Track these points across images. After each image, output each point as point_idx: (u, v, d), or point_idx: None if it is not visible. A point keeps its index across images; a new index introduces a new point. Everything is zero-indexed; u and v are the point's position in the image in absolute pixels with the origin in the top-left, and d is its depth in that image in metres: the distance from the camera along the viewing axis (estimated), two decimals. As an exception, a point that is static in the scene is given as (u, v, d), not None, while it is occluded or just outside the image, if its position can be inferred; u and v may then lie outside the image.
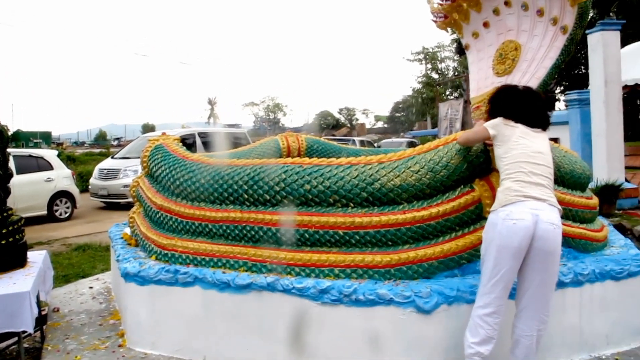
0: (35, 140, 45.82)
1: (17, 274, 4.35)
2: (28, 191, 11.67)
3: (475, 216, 3.76)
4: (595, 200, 4.58)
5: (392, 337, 3.53)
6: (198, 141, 15.71)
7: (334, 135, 40.58)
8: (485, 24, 5.33)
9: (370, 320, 3.55)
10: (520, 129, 3.40)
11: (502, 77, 4.87)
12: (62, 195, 12.75)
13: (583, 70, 23.40)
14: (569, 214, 4.16)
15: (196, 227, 4.34)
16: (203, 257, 4.20)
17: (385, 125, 73.75)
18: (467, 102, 12.35)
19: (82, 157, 28.79)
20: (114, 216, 12.65)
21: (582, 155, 9.16)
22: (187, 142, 14.41)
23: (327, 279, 3.71)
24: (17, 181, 10.57)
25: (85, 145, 69.27)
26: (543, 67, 4.60)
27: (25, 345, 4.44)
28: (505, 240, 3.14)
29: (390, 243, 3.74)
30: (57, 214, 12.61)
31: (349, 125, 69.62)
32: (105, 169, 14.83)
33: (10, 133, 4.85)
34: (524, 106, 3.48)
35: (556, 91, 26.67)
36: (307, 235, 3.87)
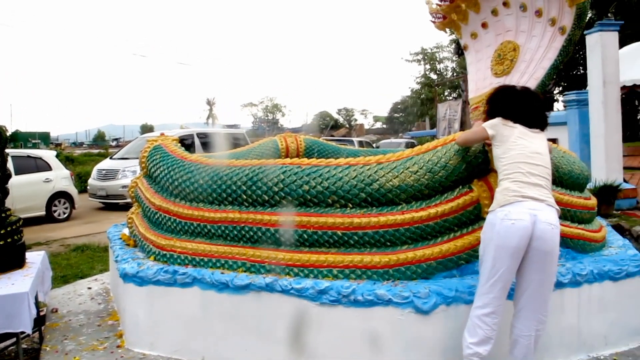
0: (33, 141, 45.79)
1: (15, 274, 4.34)
2: (26, 192, 11.65)
3: (474, 217, 3.76)
4: (593, 201, 4.58)
5: (391, 338, 3.53)
6: (197, 142, 15.70)
7: (332, 135, 40.58)
8: (484, 25, 5.34)
9: (368, 321, 3.55)
10: (518, 129, 3.41)
11: (500, 78, 4.88)
12: (61, 195, 12.73)
13: (581, 71, 23.42)
14: (567, 214, 4.17)
15: (195, 227, 4.34)
16: (202, 257, 4.20)
17: (384, 126, 73.85)
18: (465, 103, 12.35)
19: (80, 158, 28.78)
20: (112, 217, 12.63)
21: (580, 155, 9.19)
22: (186, 143, 14.40)
23: (325, 280, 3.71)
24: (16, 182, 10.55)
25: (84, 145, 69.26)
26: (541, 68, 4.61)
27: (24, 346, 4.44)
28: (503, 241, 3.14)
29: (388, 243, 3.74)
30: (55, 214, 12.59)
31: (347, 125, 69.66)
32: (103, 170, 14.81)
33: (8, 133, 4.85)
34: (522, 106, 3.49)
35: (555, 92, 26.69)
36: (305, 236, 3.87)
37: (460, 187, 3.78)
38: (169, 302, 4.13)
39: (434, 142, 4.01)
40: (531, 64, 4.71)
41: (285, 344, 3.75)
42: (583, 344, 3.97)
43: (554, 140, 4.11)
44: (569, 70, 24.53)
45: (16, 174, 10.99)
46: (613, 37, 9.34)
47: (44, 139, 49.64)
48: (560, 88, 26.50)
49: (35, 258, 4.82)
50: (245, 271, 4.00)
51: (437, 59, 47.87)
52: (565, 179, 4.30)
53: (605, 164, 9.23)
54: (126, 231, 5.41)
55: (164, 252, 4.39)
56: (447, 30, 6.02)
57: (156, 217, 4.67)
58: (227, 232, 4.17)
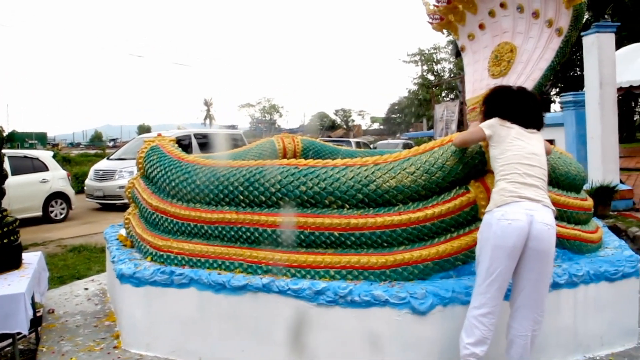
0: (30, 141, 45.74)
1: (11, 275, 4.33)
2: (23, 192, 11.65)
3: (471, 217, 3.76)
4: (590, 202, 4.59)
5: (388, 339, 3.54)
6: (194, 142, 15.70)
7: (329, 136, 40.59)
8: (481, 26, 5.35)
9: (365, 322, 3.55)
10: (515, 129, 3.42)
11: (497, 79, 4.90)
12: (58, 196, 12.72)
13: (578, 72, 23.48)
14: (563, 215, 4.17)
15: (192, 228, 4.34)
16: (199, 258, 4.20)
17: (381, 127, 73.84)
18: (463, 104, 12.36)
19: (77, 158, 28.71)
20: (109, 217, 12.62)
21: (577, 156, 9.21)
22: (183, 144, 14.41)
23: (322, 280, 3.71)
24: (13, 182, 10.58)
25: (81, 146, 69.14)
26: (538, 69, 4.62)
27: (20, 346, 4.43)
28: (500, 241, 3.15)
29: (385, 244, 3.74)
30: (52, 215, 12.58)
31: (345, 126, 69.67)
32: (100, 170, 14.80)
33: (5, 134, 4.84)
34: (518, 106, 3.50)
35: (551, 93, 26.75)
36: (302, 237, 3.87)
37: (457, 188, 3.78)
38: (166, 303, 4.12)
39: (431, 143, 4.02)
40: (528, 65, 4.72)
41: (283, 344, 3.75)
42: (579, 344, 3.98)
43: (550, 142, 4.11)
44: (566, 72, 24.59)
45: (13, 174, 11.02)
46: (610, 38, 9.36)
47: (41, 140, 49.59)
48: (557, 89, 26.56)
49: (31, 259, 4.82)
50: (242, 272, 4.00)
51: (435, 60, 47.93)
52: (561, 180, 4.30)
53: (602, 165, 9.24)
54: (123, 232, 5.41)
55: (161, 253, 4.39)
56: (445, 31, 6.03)
57: (153, 217, 4.67)
58: (224, 232, 4.17)
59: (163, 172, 4.70)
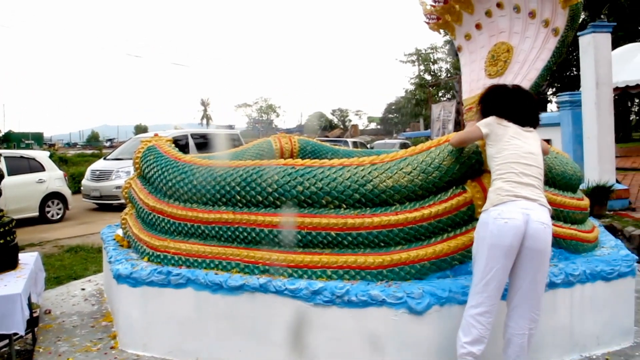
0: (27, 142, 45.67)
1: (8, 275, 4.33)
2: (20, 193, 11.62)
3: (467, 217, 3.77)
4: (586, 202, 4.60)
5: (385, 338, 3.54)
6: (191, 142, 15.70)
7: (327, 136, 40.58)
8: (478, 26, 5.35)
9: (362, 322, 3.55)
10: (512, 128, 3.42)
11: (494, 79, 4.90)
12: (54, 196, 12.69)
13: (575, 72, 23.53)
14: (560, 215, 4.18)
15: (189, 228, 4.34)
16: (195, 258, 4.20)
17: (378, 127, 73.86)
18: (459, 104, 12.38)
19: (74, 159, 28.68)
20: (106, 218, 12.59)
21: (573, 156, 9.23)
22: (180, 144, 14.40)
23: (319, 280, 3.71)
24: (9, 182, 10.54)
25: (78, 146, 69.05)
26: (535, 69, 4.63)
27: (17, 347, 4.42)
28: (496, 240, 3.16)
29: (382, 244, 3.75)
30: (49, 215, 12.55)
31: (342, 126, 69.67)
32: (97, 171, 14.78)
33: (1, 134, 4.84)
34: (514, 104, 3.50)
35: (548, 93, 26.80)
36: (299, 237, 3.87)
37: (454, 187, 3.79)
38: (162, 303, 4.12)
39: (428, 143, 4.02)
40: (524, 65, 4.73)
41: (280, 344, 3.75)
42: (575, 344, 3.99)
43: (547, 141, 4.11)
44: (562, 72, 24.65)
45: (9, 174, 10.99)
46: (606, 38, 9.39)
47: (38, 140, 49.52)
48: (554, 89, 26.63)
49: (28, 259, 4.81)
50: (239, 272, 4.00)
51: (432, 60, 48.00)
52: (558, 179, 4.31)
53: (598, 165, 9.27)
54: (120, 232, 5.40)
55: (158, 253, 4.38)
56: (441, 31, 6.03)
57: (150, 217, 4.67)
58: (221, 232, 4.17)
59: (160, 172, 4.70)
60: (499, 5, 5.03)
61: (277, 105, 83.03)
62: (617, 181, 9.78)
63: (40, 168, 12.55)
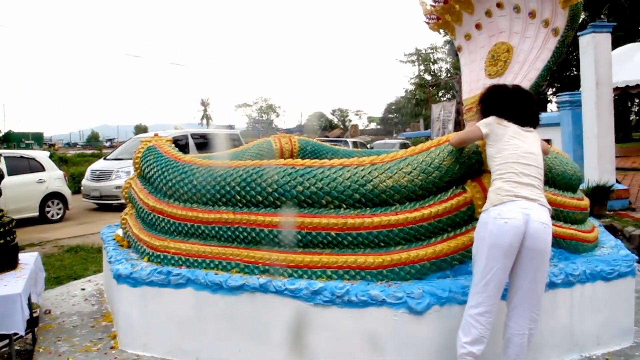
0: (27, 142, 45.67)
1: (8, 275, 4.33)
2: (20, 192, 11.61)
3: (467, 217, 3.77)
4: (586, 202, 4.60)
5: (385, 338, 3.54)
6: (191, 142, 15.70)
7: (327, 136, 40.58)
8: (478, 26, 5.35)
9: (362, 322, 3.55)
10: (512, 128, 3.42)
11: (494, 79, 4.90)
12: (54, 196, 12.69)
13: (575, 72, 23.53)
14: (560, 215, 4.18)
15: (189, 228, 4.34)
16: (195, 258, 4.20)
17: (378, 127, 73.88)
18: (459, 104, 12.38)
19: (74, 159, 28.67)
20: (106, 218, 12.59)
21: (573, 156, 9.23)
22: (180, 144, 14.39)
23: (319, 280, 3.71)
24: (9, 182, 10.54)
25: (78, 146, 69.07)
26: (535, 69, 4.63)
27: (17, 347, 4.42)
28: (496, 239, 3.16)
29: (382, 244, 3.75)
30: (49, 215, 12.55)
31: (342, 126, 69.68)
32: (97, 170, 14.78)
33: (1, 134, 4.84)
34: (514, 104, 3.50)
35: (548, 93, 26.80)
36: (299, 237, 3.87)
37: (454, 187, 3.79)
38: (162, 303, 4.12)
39: (428, 143, 4.02)
40: (524, 65, 4.73)
41: (280, 344, 3.75)
42: (575, 344, 3.99)
43: (547, 141, 4.11)
44: (562, 72, 24.65)
45: (9, 174, 10.99)
46: (606, 38, 9.39)
47: (38, 140, 49.51)
48: (554, 89, 26.63)
49: (28, 259, 4.81)
50: (239, 272, 4.00)
51: (432, 60, 48.00)
52: (558, 179, 4.31)
53: (598, 165, 9.28)
54: (120, 232, 5.40)
55: (158, 253, 4.38)
56: (441, 31, 6.04)
57: (150, 217, 4.67)
58: (221, 232, 4.17)
59: (160, 172, 4.70)
60: (499, 5, 5.03)
61: (277, 105, 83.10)
62: (617, 181, 9.78)
63: (40, 168, 12.55)
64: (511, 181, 3.26)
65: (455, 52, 5.92)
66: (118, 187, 12.62)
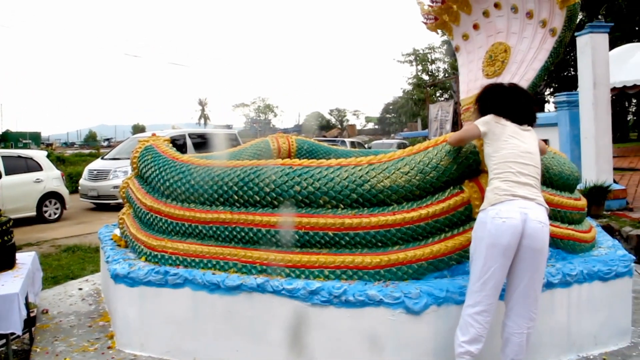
0: (24, 141, 45.57)
1: (5, 275, 4.32)
2: (17, 192, 11.61)
3: (465, 217, 3.77)
4: (583, 202, 4.61)
5: (382, 338, 3.54)
6: (188, 142, 15.69)
7: (324, 136, 40.58)
8: (475, 26, 5.36)
9: (360, 321, 3.55)
10: (510, 127, 3.42)
11: (491, 79, 4.91)
12: (52, 196, 12.68)
13: (572, 72, 23.56)
14: (557, 215, 4.19)
15: (186, 228, 4.33)
16: (193, 258, 4.20)
17: (376, 127, 73.95)
18: (457, 104, 12.39)
19: (71, 158, 28.66)
20: (103, 217, 12.59)
21: (570, 156, 9.24)
22: (178, 143, 14.39)
23: (317, 280, 3.71)
24: (6, 182, 10.55)
25: (75, 146, 69.02)
26: (532, 69, 4.63)
27: (14, 347, 4.41)
28: (494, 239, 3.16)
29: (380, 244, 3.75)
30: (46, 215, 12.54)
31: (339, 126, 69.70)
32: (95, 170, 14.77)
33: (-1, 134, 4.83)
34: (511, 102, 3.50)
35: (545, 93, 26.84)
36: (297, 237, 3.87)
37: (451, 187, 3.79)
38: (160, 303, 4.12)
39: (426, 143, 4.02)
40: (522, 65, 4.74)
41: (277, 344, 3.75)
42: (573, 344, 4.00)
43: (545, 141, 4.11)
44: (560, 72, 24.67)
45: (7, 174, 10.98)
46: (603, 39, 9.41)
47: (35, 139, 49.42)
48: (551, 89, 26.66)
49: (25, 259, 4.80)
50: (236, 272, 3.99)
51: (429, 60, 48.03)
52: (555, 179, 4.32)
53: (596, 165, 9.30)
54: (117, 232, 5.40)
55: (155, 253, 4.38)
56: (439, 31, 6.04)
57: (147, 217, 4.66)
58: (218, 232, 4.17)
59: (157, 172, 4.69)
60: (496, 5, 5.04)
61: (274, 105, 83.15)
62: (615, 181, 9.80)
63: (37, 167, 12.54)
64: (509, 180, 3.26)
65: (452, 52, 5.93)
66: (115, 187, 12.62)
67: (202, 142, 15.91)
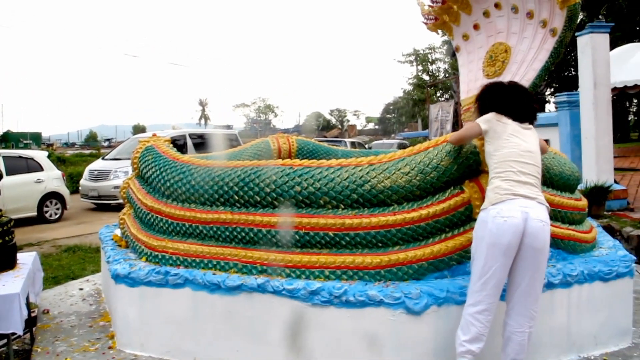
0: (25, 141, 45.59)
1: (6, 275, 4.32)
2: (18, 192, 11.61)
3: (465, 217, 3.77)
4: (584, 202, 4.61)
5: (383, 338, 3.54)
6: (189, 142, 15.70)
7: (324, 136, 40.57)
8: (476, 26, 5.36)
9: (360, 322, 3.55)
10: (511, 126, 3.42)
11: (492, 79, 4.90)
12: (52, 196, 12.69)
13: (573, 73, 23.55)
14: (558, 215, 4.18)
15: (187, 228, 4.34)
16: (193, 258, 4.20)
17: (376, 127, 73.96)
18: (457, 104, 12.39)
19: (72, 158, 28.67)
20: (104, 217, 12.59)
21: (571, 157, 9.24)
22: (178, 144, 14.40)
23: (317, 281, 3.71)
24: (7, 182, 10.55)
25: (76, 146, 69.02)
26: (532, 69, 4.63)
27: (15, 347, 4.41)
28: (495, 238, 3.17)
29: (380, 244, 3.75)
30: (47, 215, 12.55)
31: (340, 126, 69.70)
32: (95, 170, 14.78)
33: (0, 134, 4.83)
34: (511, 100, 3.51)
35: (546, 93, 26.83)
36: (297, 237, 3.87)
37: (452, 188, 3.79)
38: (160, 303, 4.12)
39: (426, 143, 4.02)
40: (522, 65, 4.73)
41: (277, 345, 3.75)
42: (573, 344, 3.99)
43: (545, 142, 4.10)
44: (560, 72, 24.66)
45: (7, 174, 10.98)
46: (604, 39, 9.41)
47: (36, 140, 49.44)
48: (552, 89, 26.64)
49: (26, 259, 4.80)
50: (237, 272, 3.99)
51: (430, 60, 48.02)
52: (556, 180, 4.32)
53: (596, 165, 9.29)
54: (118, 232, 5.40)
55: (156, 253, 4.38)
56: (439, 31, 6.04)
57: (148, 218, 4.66)
58: (219, 233, 4.17)
59: (158, 172, 4.70)
60: (496, 5, 5.04)
61: (275, 105, 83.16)
62: (615, 181, 9.79)
63: (38, 168, 12.55)
64: (510, 180, 3.27)
65: (453, 52, 5.93)
66: (116, 187, 12.63)
67: (202, 143, 15.92)
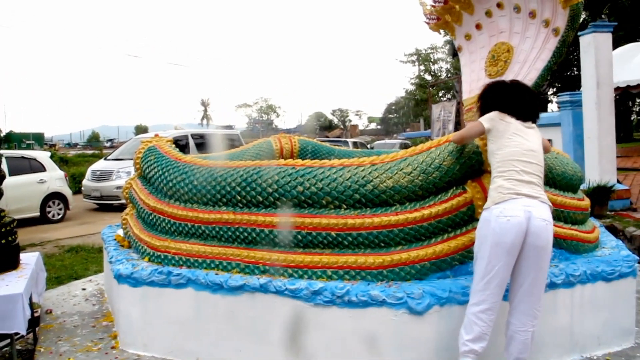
0: (27, 142, 45.62)
1: (9, 275, 4.33)
2: (20, 193, 11.62)
3: (468, 217, 3.77)
4: (586, 202, 4.60)
5: (385, 338, 3.54)
6: (191, 143, 15.71)
7: (327, 136, 40.58)
8: (478, 26, 5.35)
9: (362, 322, 3.55)
10: (514, 125, 3.42)
11: (494, 79, 4.89)
12: (55, 196, 12.70)
13: (575, 72, 23.52)
14: (560, 215, 4.18)
15: (189, 228, 4.34)
16: (196, 258, 4.20)
17: (379, 127, 73.90)
18: (460, 104, 12.38)
19: (74, 159, 28.67)
20: (106, 218, 12.60)
21: (574, 156, 9.23)
22: (180, 144, 14.40)
23: (319, 281, 3.71)
24: (10, 183, 10.53)
25: (78, 146, 69.04)
26: (535, 69, 4.62)
27: (18, 347, 4.43)
28: (499, 237, 3.17)
29: (382, 244, 3.75)
30: (49, 215, 12.56)
31: (342, 126, 69.70)
32: (98, 171, 14.79)
33: (2, 134, 4.84)
34: (513, 98, 3.50)
35: (549, 93, 26.79)
36: (299, 237, 3.88)
37: (454, 188, 3.79)
38: (163, 303, 4.12)
39: (428, 143, 4.02)
40: (525, 65, 4.73)
41: (280, 344, 3.75)
42: (576, 344, 3.99)
43: (548, 141, 4.11)
44: (563, 72, 24.63)
45: (10, 175, 10.99)
46: (606, 38, 9.39)
47: (38, 140, 49.46)
48: (554, 89, 26.60)
49: (29, 259, 4.81)
50: (239, 272, 4.00)
51: (432, 60, 47.99)
52: (558, 180, 4.31)
53: (599, 165, 9.27)
54: (120, 232, 5.41)
55: (158, 253, 4.39)
56: (442, 31, 6.03)
57: (150, 218, 4.67)
58: (221, 233, 4.17)
59: (160, 172, 4.70)
60: (499, 5, 5.03)
61: (277, 105, 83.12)
62: (618, 181, 9.77)
63: (41, 168, 12.57)
64: (512, 179, 3.27)
65: (455, 52, 5.92)
66: (118, 188, 12.64)
67: (204, 143, 15.92)
